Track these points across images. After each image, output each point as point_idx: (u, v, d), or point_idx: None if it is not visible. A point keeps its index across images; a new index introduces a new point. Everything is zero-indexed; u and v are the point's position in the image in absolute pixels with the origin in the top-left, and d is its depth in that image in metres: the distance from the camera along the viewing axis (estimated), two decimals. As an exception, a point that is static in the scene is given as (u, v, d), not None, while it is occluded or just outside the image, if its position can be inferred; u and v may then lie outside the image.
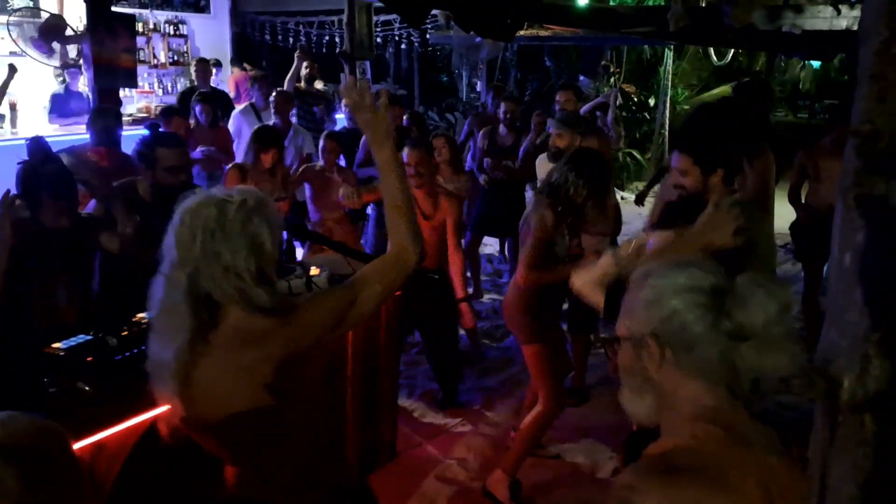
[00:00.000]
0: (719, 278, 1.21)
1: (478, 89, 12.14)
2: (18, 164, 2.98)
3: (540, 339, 3.49)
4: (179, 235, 1.62)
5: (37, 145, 3.00)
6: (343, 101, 1.87)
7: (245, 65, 9.88)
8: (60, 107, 7.53)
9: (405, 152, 4.14)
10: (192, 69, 7.55)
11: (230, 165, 4.99)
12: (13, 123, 7.09)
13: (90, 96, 5.77)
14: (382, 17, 10.54)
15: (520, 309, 3.53)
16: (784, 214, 4.92)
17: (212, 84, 9.27)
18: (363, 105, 1.79)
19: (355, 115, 1.83)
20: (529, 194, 7.34)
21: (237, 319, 1.64)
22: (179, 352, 1.62)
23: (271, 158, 4.65)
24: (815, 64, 14.24)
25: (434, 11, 6.85)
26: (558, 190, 3.34)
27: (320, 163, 5.28)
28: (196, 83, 7.14)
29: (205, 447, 1.78)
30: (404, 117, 6.48)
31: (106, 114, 4.70)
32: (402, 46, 12.61)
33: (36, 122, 7.53)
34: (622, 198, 10.91)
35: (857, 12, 5.96)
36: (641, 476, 1.17)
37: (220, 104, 6.70)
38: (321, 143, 5.32)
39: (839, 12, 6.11)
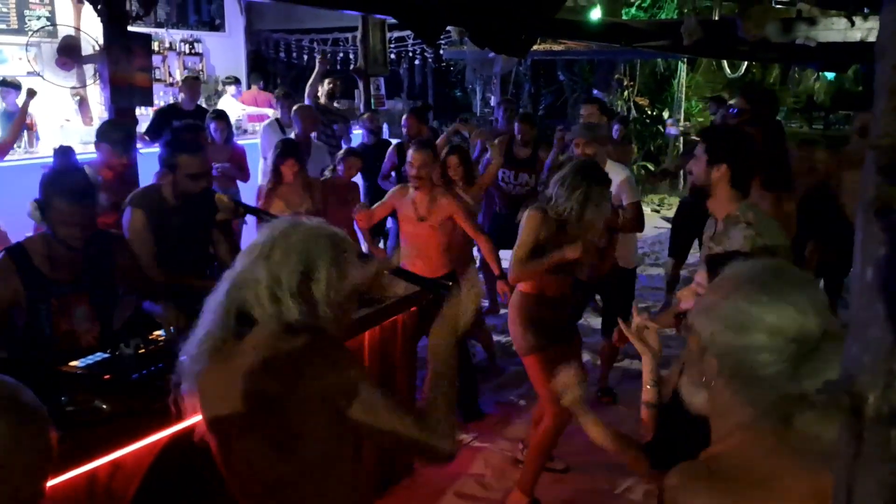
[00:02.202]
0: (813, 322, 1.13)
1: (491, 104, 12.16)
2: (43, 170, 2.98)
3: (537, 351, 3.44)
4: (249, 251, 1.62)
5: (64, 155, 3.01)
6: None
7: (252, 86, 9.99)
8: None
9: (409, 153, 4.21)
10: (180, 86, 7.45)
11: (265, 192, 4.89)
12: (30, 143, 7.16)
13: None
14: (396, 34, 10.61)
15: (517, 319, 3.50)
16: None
17: (231, 99, 9.39)
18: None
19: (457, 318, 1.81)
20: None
21: (262, 339, 1.60)
22: (196, 356, 1.63)
23: (290, 169, 4.65)
24: (830, 75, 14.18)
25: (448, 27, 6.89)
26: (550, 200, 3.34)
27: (336, 176, 5.34)
28: (183, 101, 7.10)
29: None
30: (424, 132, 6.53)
31: (119, 128, 4.74)
32: (416, 62, 12.68)
33: (53, 141, 7.60)
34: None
35: (870, 24, 5.94)
36: (690, 476, 1.16)
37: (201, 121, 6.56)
38: (338, 157, 5.37)
39: (853, 24, 6.09)
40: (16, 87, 7.13)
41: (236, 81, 9.73)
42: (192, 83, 7.19)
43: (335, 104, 7.93)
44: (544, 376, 3.42)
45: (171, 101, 7.71)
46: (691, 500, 1.13)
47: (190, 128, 4.85)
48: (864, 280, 1.17)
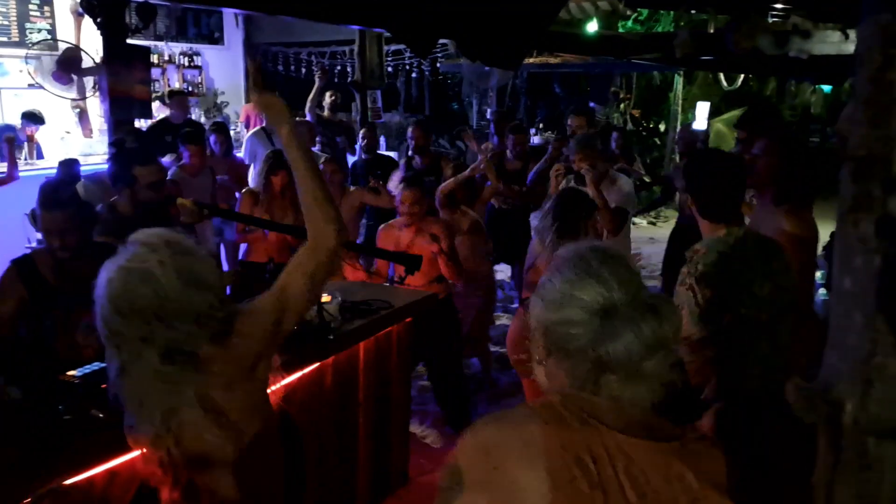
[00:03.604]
0: (617, 295, 1.23)
1: (488, 116, 12.23)
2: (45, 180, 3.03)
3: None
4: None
5: (66, 167, 3.04)
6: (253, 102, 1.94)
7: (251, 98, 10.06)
8: None
9: (399, 191, 4.24)
10: (168, 102, 7.46)
11: (243, 191, 5.05)
12: (30, 154, 7.20)
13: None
14: (393, 47, 10.67)
15: (523, 342, 3.48)
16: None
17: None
18: (259, 86, 1.88)
19: (255, 98, 1.92)
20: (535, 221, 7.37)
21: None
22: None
23: (281, 181, 4.68)
24: (826, 88, 14.25)
25: (445, 41, 6.93)
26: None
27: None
28: (172, 115, 7.12)
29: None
30: (429, 143, 6.56)
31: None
32: (413, 75, 12.74)
33: (54, 153, 7.64)
34: (633, 223, 10.96)
35: (864, 37, 5.98)
36: (490, 416, 1.31)
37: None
38: (321, 166, 5.44)
39: (847, 37, 6.14)
40: (40, 121, 7.18)
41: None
42: (181, 98, 7.22)
43: (337, 116, 7.98)
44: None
45: (162, 116, 7.71)
46: (480, 430, 1.26)
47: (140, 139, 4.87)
48: (841, 289, 1.20)
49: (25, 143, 7.21)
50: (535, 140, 12.39)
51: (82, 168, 5.14)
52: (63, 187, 2.91)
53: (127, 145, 4.24)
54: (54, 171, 4.91)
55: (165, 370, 1.59)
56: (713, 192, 2.49)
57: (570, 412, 1.23)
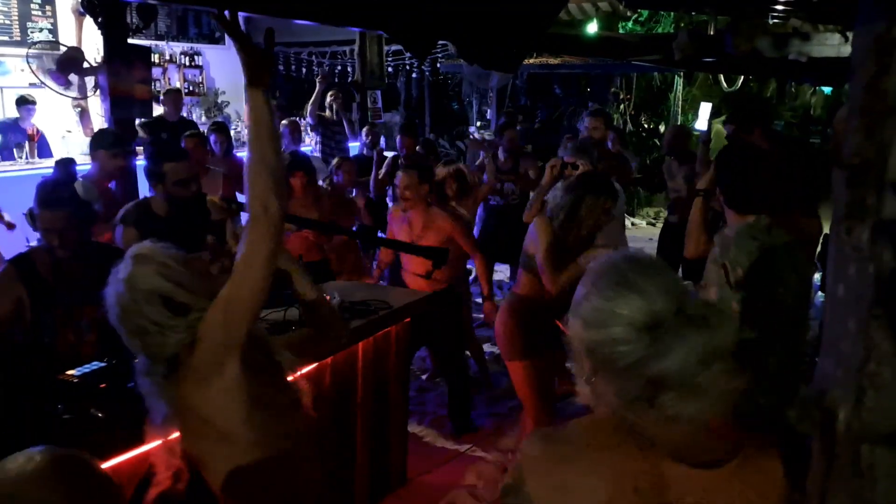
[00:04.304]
0: (662, 306, 1.16)
1: (488, 117, 12.23)
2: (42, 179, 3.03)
3: (526, 357, 3.45)
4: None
5: (63, 166, 3.02)
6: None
7: None
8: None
9: (397, 175, 4.28)
10: (162, 99, 7.47)
11: None
12: (31, 153, 7.21)
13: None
14: (393, 48, 10.66)
15: (508, 321, 3.49)
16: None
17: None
18: (245, 41, 1.75)
19: (242, 54, 1.75)
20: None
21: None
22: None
23: (300, 181, 4.68)
24: (827, 90, 14.24)
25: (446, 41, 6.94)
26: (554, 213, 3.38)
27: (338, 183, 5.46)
28: (166, 113, 7.13)
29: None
30: (417, 147, 6.60)
31: (111, 132, 4.78)
32: (413, 75, 12.74)
33: (55, 152, 7.64)
34: (633, 223, 10.97)
35: (864, 40, 5.98)
36: (537, 434, 1.30)
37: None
38: (332, 167, 5.47)
39: (846, 39, 6.13)
40: (33, 102, 7.28)
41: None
42: (175, 95, 7.23)
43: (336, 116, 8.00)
44: (528, 384, 3.44)
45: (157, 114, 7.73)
46: (528, 450, 1.25)
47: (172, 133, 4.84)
48: (835, 296, 1.20)
49: (27, 143, 7.22)
50: (475, 137, 12.45)
51: (80, 167, 5.14)
52: (61, 186, 2.92)
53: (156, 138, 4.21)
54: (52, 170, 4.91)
55: (153, 377, 1.74)
56: (741, 183, 2.66)
57: (628, 437, 1.19)
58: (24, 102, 7.35)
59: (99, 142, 4.47)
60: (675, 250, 3.62)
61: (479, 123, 12.95)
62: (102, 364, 2.64)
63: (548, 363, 3.51)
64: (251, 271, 1.68)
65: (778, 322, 2.46)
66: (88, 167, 4.67)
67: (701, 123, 11.41)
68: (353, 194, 5.85)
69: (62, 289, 2.87)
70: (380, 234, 5.17)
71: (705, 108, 11.46)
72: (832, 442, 1.16)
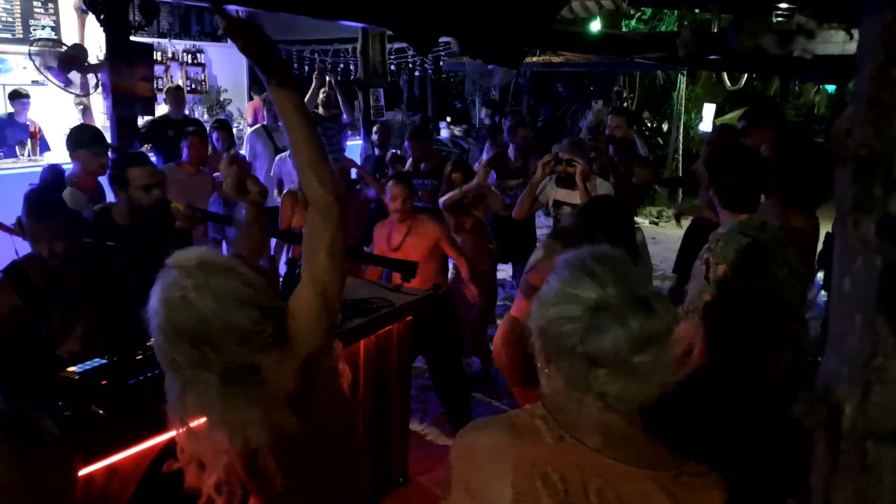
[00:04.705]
0: (612, 291, 1.20)
1: (482, 116, 12.23)
2: (30, 186, 3.01)
3: (530, 384, 3.36)
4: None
5: (51, 173, 3.01)
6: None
7: (255, 97, 10.07)
8: None
9: (389, 187, 4.29)
10: (164, 96, 7.43)
11: (284, 191, 5.14)
12: (34, 151, 7.21)
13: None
14: (396, 45, 10.66)
15: (510, 353, 3.30)
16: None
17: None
18: (258, 42, 1.79)
19: (249, 54, 1.79)
20: (539, 220, 7.36)
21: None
22: None
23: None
24: (831, 88, 14.22)
25: (449, 39, 6.92)
26: (568, 236, 3.33)
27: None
28: (170, 111, 7.11)
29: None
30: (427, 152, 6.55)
31: (88, 129, 4.77)
32: (416, 73, 12.72)
33: (58, 150, 7.64)
34: (635, 224, 10.93)
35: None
36: (484, 420, 1.34)
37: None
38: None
39: (851, 37, 6.11)
40: (27, 96, 7.31)
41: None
42: (177, 93, 7.22)
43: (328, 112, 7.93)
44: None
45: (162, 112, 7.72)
46: (465, 435, 1.30)
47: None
48: (841, 291, 1.19)
49: (29, 140, 7.22)
50: (444, 135, 12.50)
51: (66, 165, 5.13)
52: (50, 196, 2.92)
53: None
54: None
55: (229, 391, 1.56)
56: (735, 183, 2.66)
57: (549, 427, 1.23)
58: (17, 96, 7.35)
59: (78, 141, 4.42)
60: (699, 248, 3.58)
61: (448, 119, 13.00)
62: (103, 361, 2.63)
63: None
64: (321, 257, 1.70)
65: (769, 316, 2.46)
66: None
67: (705, 124, 11.42)
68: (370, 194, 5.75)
69: (56, 296, 2.87)
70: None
71: (709, 110, 11.48)
72: (837, 438, 1.15)
